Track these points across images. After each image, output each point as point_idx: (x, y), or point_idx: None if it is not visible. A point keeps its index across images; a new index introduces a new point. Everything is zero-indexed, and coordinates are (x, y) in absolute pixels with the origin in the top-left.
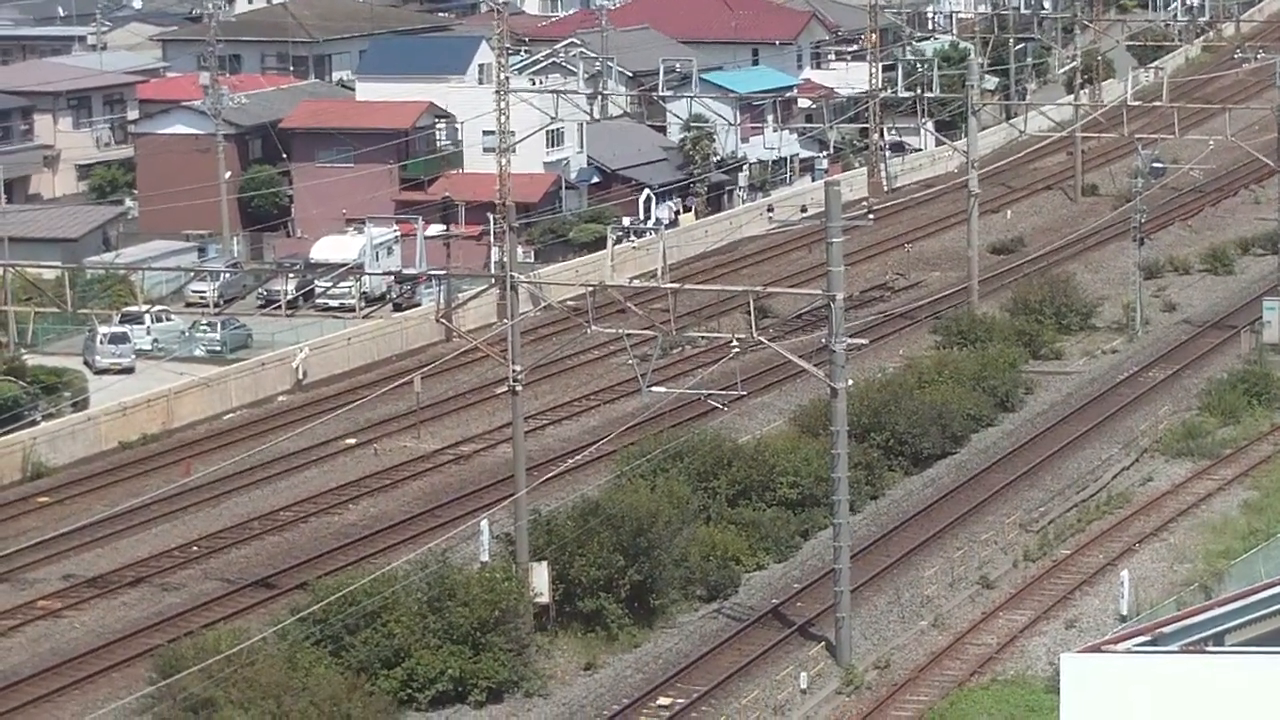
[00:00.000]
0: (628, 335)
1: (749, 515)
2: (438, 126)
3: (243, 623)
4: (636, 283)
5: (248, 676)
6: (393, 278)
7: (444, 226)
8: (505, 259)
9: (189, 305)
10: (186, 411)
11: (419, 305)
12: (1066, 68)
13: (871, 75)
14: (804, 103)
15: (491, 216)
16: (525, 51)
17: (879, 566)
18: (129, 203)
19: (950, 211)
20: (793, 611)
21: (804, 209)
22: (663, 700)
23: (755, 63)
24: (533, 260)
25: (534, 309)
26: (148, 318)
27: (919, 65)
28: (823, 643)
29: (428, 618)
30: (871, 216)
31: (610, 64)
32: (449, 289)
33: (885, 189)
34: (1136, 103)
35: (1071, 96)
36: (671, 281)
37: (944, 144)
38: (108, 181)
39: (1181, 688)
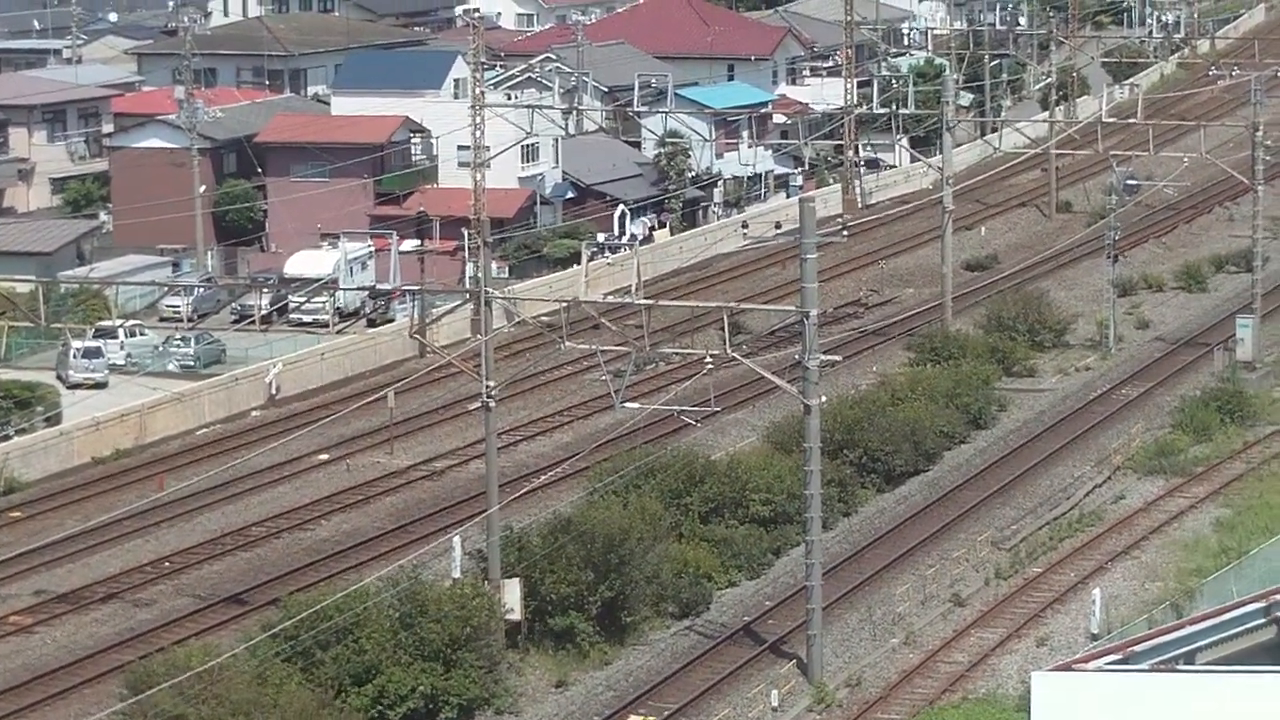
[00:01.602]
0: (601, 351)
1: (721, 532)
2: (413, 141)
3: (214, 639)
4: (611, 298)
5: (218, 693)
6: (367, 293)
7: (418, 241)
8: (480, 274)
9: (163, 320)
10: (159, 426)
11: (393, 320)
12: (1041, 84)
13: (846, 91)
14: (779, 119)
15: (466, 231)
16: (501, 66)
17: (851, 584)
18: (103, 217)
19: (925, 228)
20: (764, 629)
21: (778, 225)
22: (634, 718)
23: (730, 78)
24: (507, 275)
25: (508, 324)
26: (121, 332)
27: (894, 81)
28: (794, 660)
29: (399, 634)
30: (845, 233)
31: (585, 79)
32: (423, 304)
33: (860, 205)
34: (1111, 120)
35: (1046, 113)
36: (645, 297)
37: (919, 160)
38: (82, 195)
39: (1152, 706)
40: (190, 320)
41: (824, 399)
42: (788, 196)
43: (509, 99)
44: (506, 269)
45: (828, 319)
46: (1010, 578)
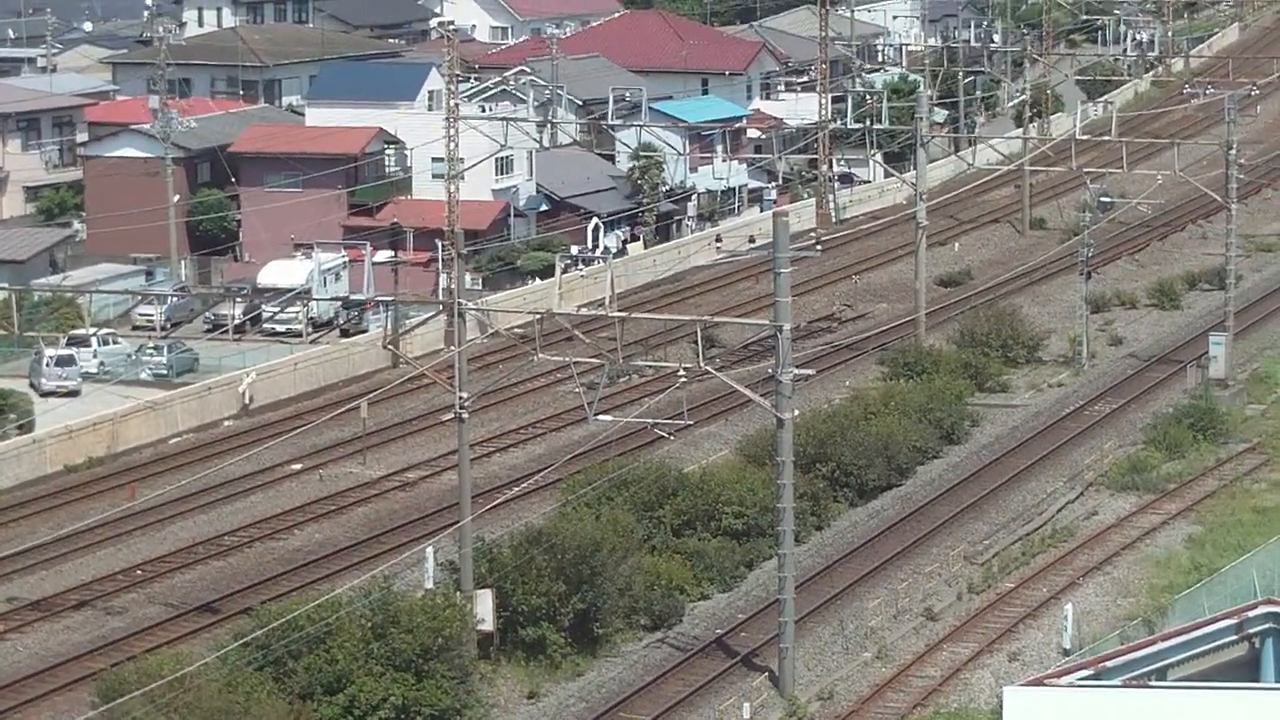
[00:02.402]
0: (575, 363)
1: (694, 545)
2: (387, 152)
3: (186, 647)
4: (584, 311)
5: (189, 702)
6: (340, 303)
7: (392, 252)
8: (453, 286)
9: (136, 328)
10: (132, 435)
11: (366, 331)
12: (1015, 101)
13: (821, 106)
14: (753, 133)
15: (440, 243)
16: (475, 79)
17: (823, 597)
18: (77, 225)
19: (898, 243)
20: (737, 642)
21: (752, 239)
22: None
23: (705, 93)
24: (481, 287)
25: (481, 336)
26: (94, 340)
27: (868, 97)
28: (766, 673)
29: (371, 644)
30: (819, 247)
31: (560, 92)
32: (396, 315)
33: (833, 220)
34: (1085, 137)
35: (1020, 130)
36: (619, 310)
37: (892, 176)
38: (56, 204)
39: None
40: (163, 329)
41: (797, 413)
42: (761, 211)
43: (483, 111)
44: (480, 281)
45: (801, 333)
46: (983, 592)
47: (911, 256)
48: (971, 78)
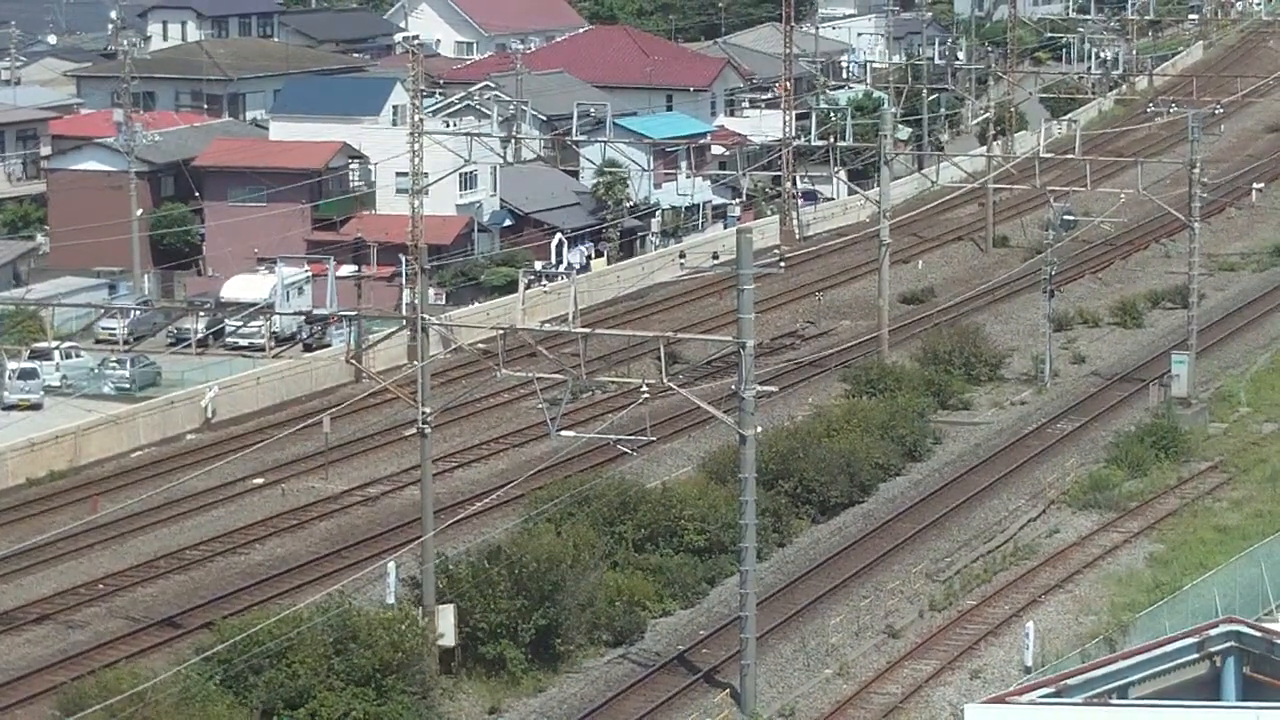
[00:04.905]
0: (538, 379)
1: (656, 561)
2: (351, 167)
3: (147, 662)
4: (547, 326)
5: (148, 716)
6: (303, 318)
7: (356, 267)
8: (416, 301)
9: (99, 342)
10: (94, 449)
11: (329, 346)
12: (979, 119)
13: (785, 123)
14: (717, 149)
15: (403, 258)
16: (440, 94)
17: (785, 614)
18: (40, 238)
19: (861, 260)
20: (698, 658)
21: (716, 256)
22: None
23: (669, 109)
24: (444, 302)
25: (444, 351)
26: (57, 354)
27: (832, 114)
28: (728, 690)
29: (331, 659)
30: (783, 264)
31: (524, 108)
32: (360, 330)
33: (797, 237)
34: (1049, 155)
35: (984, 148)
36: (582, 326)
37: (856, 193)
38: (19, 217)
39: None
40: (126, 343)
41: (760, 429)
42: (725, 227)
43: (448, 126)
44: (443, 296)
45: (764, 350)
46: (944, 610)
47: (875, 274)
48: (936, 95)
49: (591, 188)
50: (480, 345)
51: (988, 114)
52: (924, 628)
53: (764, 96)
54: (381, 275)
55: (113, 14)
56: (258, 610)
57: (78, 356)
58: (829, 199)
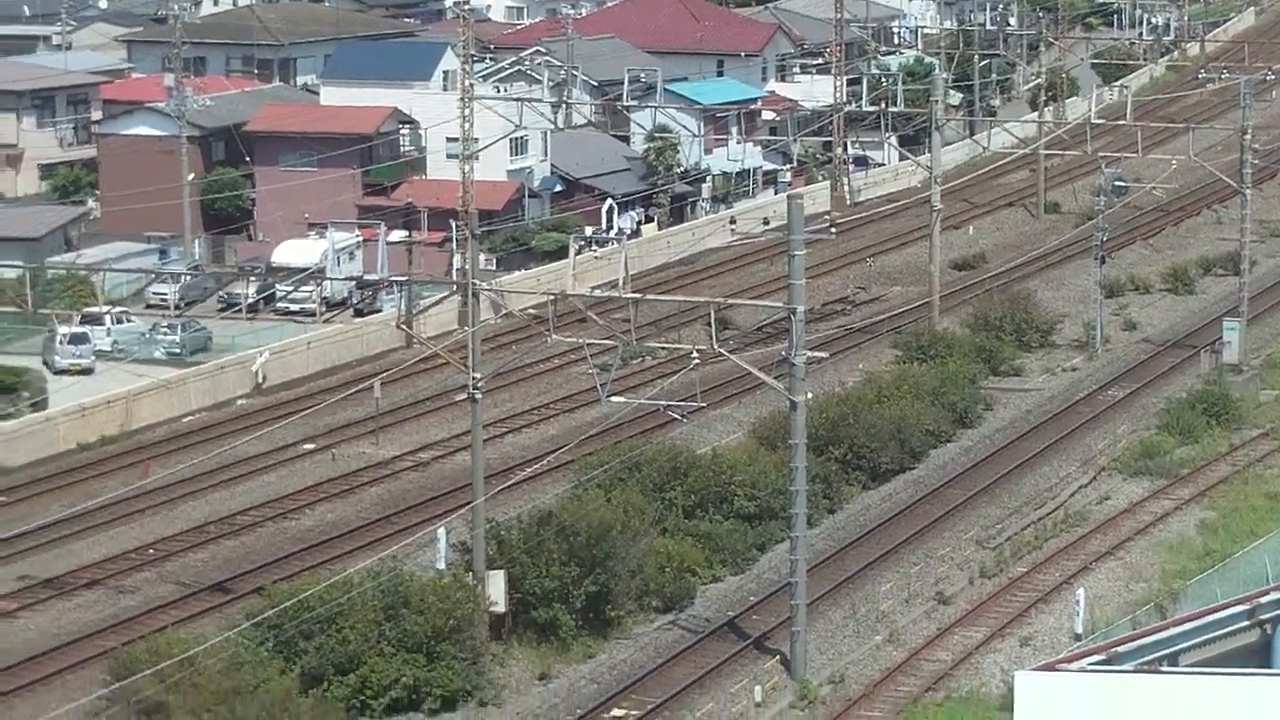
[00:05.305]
0: (588, 345)
1: (706, 527)
2: (402, 132)
3: (197, 627)
4: (597, 292)
5: (198, 681)
6: (354, 283)
7: (406, 232)
8: (467, 266)
9: (149, 307)
10: (145, 413)
11: (380, 311)
12: (1031, 85)
13: (836, 89)
14: (768, 115)
15: (454, 223)
16: (490, 59)
17: (835, 581)
18: (91, 203)
19: (912, 226)
20: (748, 624)
21: (766, 221)
22: (617, 711)
23: (720, 74)
24: (494, 268)
25: (495, 317)
26: (108, 319)
27: (883, 80)
28: (777, 656)
29: (382, 625)
30: (833, 230)
31: (575, 73)
32: (410, 295)
33: (848, 203)
34: (1100, 121)
35: (1035, 114)
36: (633, 292)
37: (907, 159)
38: (70, 181)
39: (1135, 707)
40: (177, 308)
41: (810, 395)
42: (776, 193)
43: (498, 91)
44: (494, 261)
45: (815, 316)
46: (995, 577)
47: (926, 240)
48: (987, 61)
49: (642, 153)
50: (531, 310)
51: (1039, 79)
52: (974, 594)
53: (815, 62)
54: (432, 240)
55: None
56: (308, 575)
57: (129, 321)
58: (880, 164)
